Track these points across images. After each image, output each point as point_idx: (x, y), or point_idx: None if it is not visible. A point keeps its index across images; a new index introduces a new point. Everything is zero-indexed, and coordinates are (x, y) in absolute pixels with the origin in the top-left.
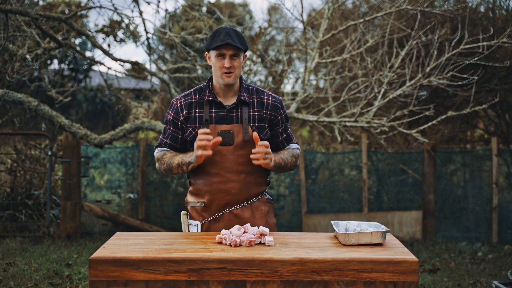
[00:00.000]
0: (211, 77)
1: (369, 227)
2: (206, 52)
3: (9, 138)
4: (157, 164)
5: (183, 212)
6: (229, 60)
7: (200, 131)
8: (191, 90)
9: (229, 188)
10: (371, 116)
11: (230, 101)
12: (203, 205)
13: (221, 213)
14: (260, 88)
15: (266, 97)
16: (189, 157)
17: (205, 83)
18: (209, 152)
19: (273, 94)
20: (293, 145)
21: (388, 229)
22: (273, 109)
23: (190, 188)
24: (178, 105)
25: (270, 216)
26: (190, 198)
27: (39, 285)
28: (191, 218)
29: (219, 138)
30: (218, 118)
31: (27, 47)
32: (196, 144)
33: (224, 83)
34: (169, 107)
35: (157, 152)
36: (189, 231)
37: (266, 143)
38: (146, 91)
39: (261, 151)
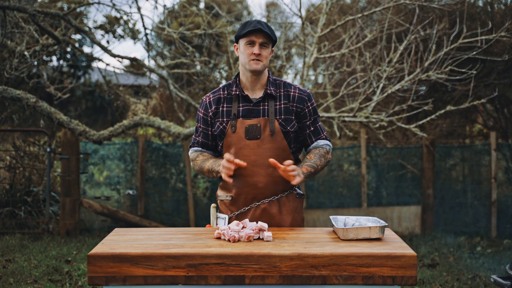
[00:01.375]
0: (238, 73)
1: (368, 222)
2: (235, 44)
3: (8, 135)
4: (191, 163)
5: (213, 205)
6: (259, 47)
7: (226, 156)
8: (220, 86)
9: (256, 182)
10: (370, 111)
11: (257, 94)
12: (230, 198)
13: (248, 207)
14: (288, 82)
15: (293, 90)
16: (218, 165)
17: (233, 79)
18: (230, 180)
19: (301, 87)
20: (321, 142)
21: (386, 224)
22: (299, 101)
23: (220, 182)
24: (207, 101)
25: (299, 212)
26: (219, 192)
27: (39, 282)
28: (220, 211)
29: (244, 164)
30: (245, 112)
31: (25, 43)
32: (221, 167)
33: (251, 69)
34: (200, 105)
35: (191, 152)
36: (217, 224)
37: (289, 162)
38: (145, 87)
39: (289, 169)
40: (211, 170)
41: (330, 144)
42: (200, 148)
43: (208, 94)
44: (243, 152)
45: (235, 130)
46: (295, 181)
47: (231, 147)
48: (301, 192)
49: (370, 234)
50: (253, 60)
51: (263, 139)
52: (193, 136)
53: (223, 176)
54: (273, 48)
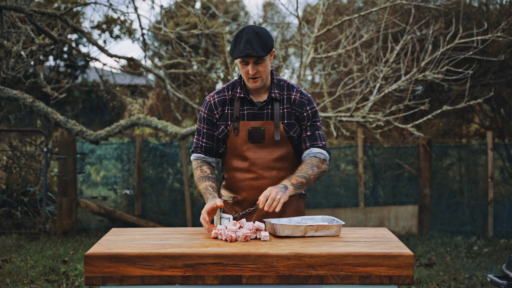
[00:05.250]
0: None
1: (324, 222)
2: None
3: (4, 135)
4: (192, 168)
5: None
6: (253, 67)
7: (203, 220)
8: (224, 86)
9: (261, 184)
10: (367, 111)
11: (261, 97)
12: (235, 200)
13: (253, 207)
14: (291, 83)
15: (294, 93)
16: (205, 199)
17: (237, 79)
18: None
19: (303, 91)
20: (315, 149)
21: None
22: (299, 105)
23: (223, 182)
24: (212, 102)
25: (301, 211)
26: (223, 192)
27: (35, 282)
28: (224, 211)
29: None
30: (249, 116)
31: (22, 43)
32: (201, 219)
33: (251, 87)
34: (203, 105)
35: (193, 158)
36: (220, 224)
37: (266, 195)
38: (141, 87)
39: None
40: (202, 193)
41: (326, 154)
42: (202, 156)
43: (212, 94)
44: (247, 154)
45: (237, 133)
46: (277, 208)
47: (235, 150)
48: (304, 192)
49: (293, 232)
50: (251, 78)
51: (267, 142)
52: (194, 138)
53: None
54: (272, 52)
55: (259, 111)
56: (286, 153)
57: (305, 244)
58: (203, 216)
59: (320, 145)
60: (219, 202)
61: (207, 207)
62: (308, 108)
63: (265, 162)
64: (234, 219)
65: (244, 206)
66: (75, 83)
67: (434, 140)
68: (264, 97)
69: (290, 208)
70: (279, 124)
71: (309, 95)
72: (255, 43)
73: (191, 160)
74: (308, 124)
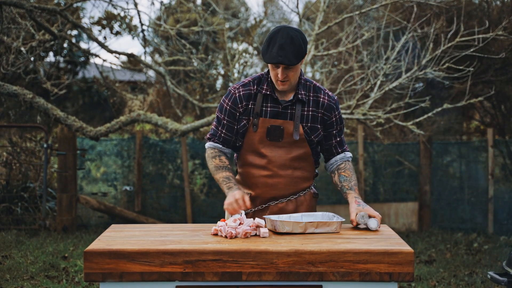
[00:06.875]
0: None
1: (323, 218)
2: None
3: (4, 131)
4: (206, 156)
5: None
6: (283, 72)
7: (240, 198)
8: (250, 79)
9: (276, 182)
10: (367, 108)
11: (287, 96)
12: (249, 196)
13: (266, 205)
14: (317, 84)
15: (322, 96)
16: (227, 188)
17: (264, 74)
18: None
19: (330, 93)
20: (348, 154)
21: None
22: (328, 109)
23: (237, 177)
24: (237, 94)
25: (314, 211)
26: None
27: (35, 278)
28: None
29: (248, 206)
30: (271, 114)
31: (22, 39)
32: (227, 204)
33: (279, 89)
34: (226, 95)
35: (209, 146)
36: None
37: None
38: (141, 84)
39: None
40: (220, 183)
41: (351, 157)
42: (220, 146)
43: (237, 86)
44: (264, 151)
45: (256, 130)
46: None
47: (251, 146)
48: (316, 192)
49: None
50: (279, 81)
51: (285, 142)
52: (213, 126)
53: (226, 211)
54: (303, 59)
55: (283, 110)
56: (303, 153)
57: (305, 241)
58: (239, 202)
59: (346, 149)
60: (247, 200)
61: (237, 195)
62: (336, 112)
63: (282, 161)
64: (246, 214)
65: (256, 203)
66: (75, 79)
67: (434, 137)
68: (290, 96)
69: (303, 207)
70: (299, 125)
71: (336, 97)
72: (288, 49)
73: (206, 147)
74: (337, 130)
